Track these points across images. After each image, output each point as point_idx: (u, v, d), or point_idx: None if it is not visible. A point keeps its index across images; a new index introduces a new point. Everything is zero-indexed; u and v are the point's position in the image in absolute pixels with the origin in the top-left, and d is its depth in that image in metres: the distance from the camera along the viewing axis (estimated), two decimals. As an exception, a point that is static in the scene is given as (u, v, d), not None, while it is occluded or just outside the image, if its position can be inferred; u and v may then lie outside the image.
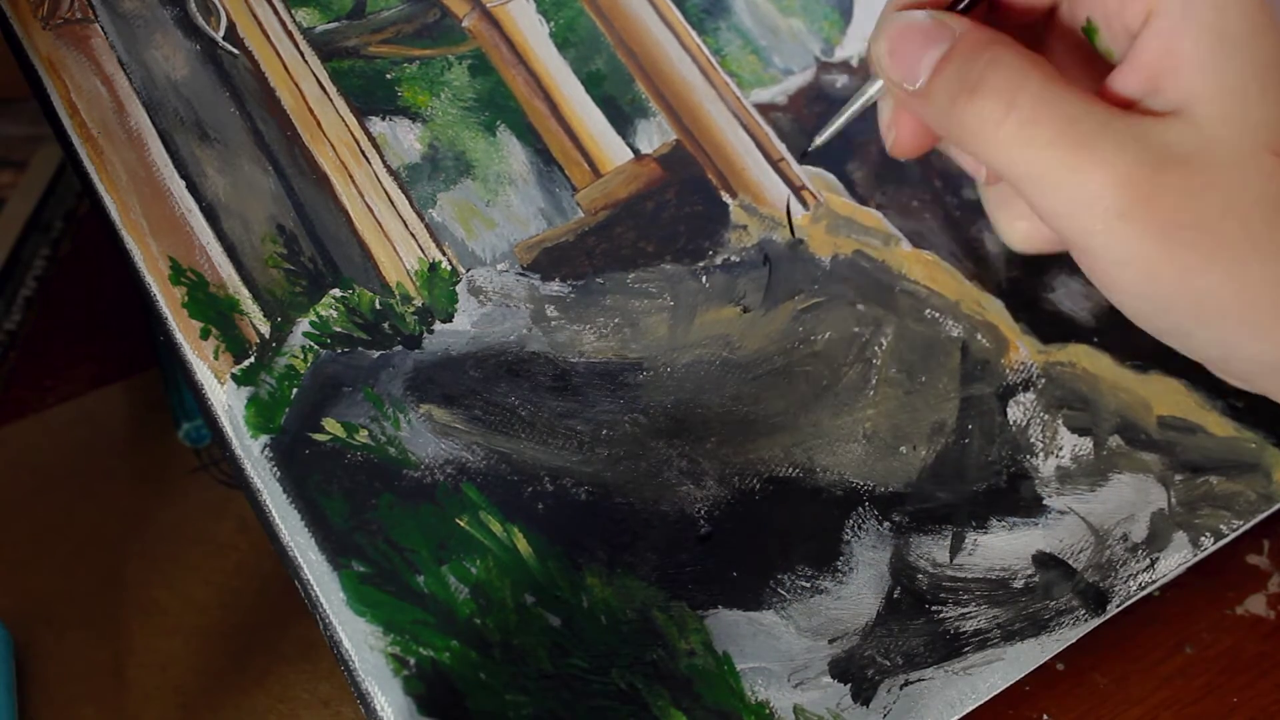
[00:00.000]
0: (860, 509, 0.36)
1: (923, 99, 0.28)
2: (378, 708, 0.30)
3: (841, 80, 0.44)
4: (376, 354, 0.35)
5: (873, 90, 0.30)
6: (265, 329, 0.35)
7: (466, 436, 0.34)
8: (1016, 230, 0.31)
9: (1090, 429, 0.38)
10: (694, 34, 0.43)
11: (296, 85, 0.39)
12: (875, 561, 0.35)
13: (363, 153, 0.38)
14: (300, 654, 0.38)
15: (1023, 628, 0.34)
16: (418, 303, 0.36)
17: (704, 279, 0.39)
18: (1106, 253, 0.26)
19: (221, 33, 0.39)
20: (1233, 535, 0.37)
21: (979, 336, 0.39)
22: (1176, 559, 0.36)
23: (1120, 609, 0.35)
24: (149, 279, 0.35)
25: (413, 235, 0.37)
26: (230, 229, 0.36)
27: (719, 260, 0.39)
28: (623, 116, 0.41)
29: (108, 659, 0.38)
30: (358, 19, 0.41)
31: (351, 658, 0.30)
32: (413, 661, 0.31)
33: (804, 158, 0.40)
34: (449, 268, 0.37)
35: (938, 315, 0.39)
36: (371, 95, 0.39)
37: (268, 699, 0.37)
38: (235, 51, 0.39)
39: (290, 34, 0.40)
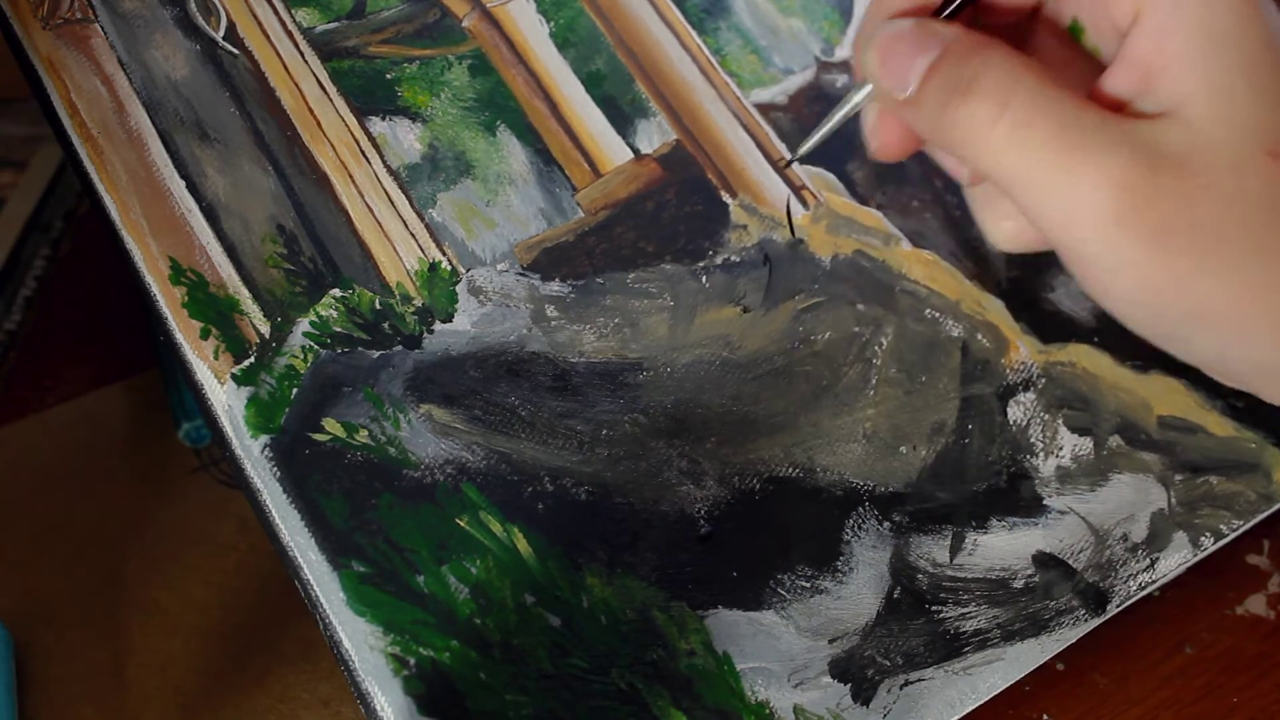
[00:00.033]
0: (860, 509, 0.36)
1: (914, 106, 0.28)
2: (378, 708, 0.30)
3: (842, 80, 0.44)
4: (376, 354, 0.35)
5: (858, 98, 0.30)
6: (265, 329, 0.35)
7: (466, 436, 0.34)
8: (1002, 230, 0.31)
9: (1090, 429, 0.38)
10: (694, 34, 0.43)
11: (296, 85, 0.39)
12: (875, 561, 0.35)
13: (363, 153, 0.38)
14: (300, 654, 0.38)
15: (1023, 628, 0.34)
16: (418, 303, 0.36)
17: (704, 279, 0.39)
18: (1100, 260, 0.26)
19: (221, 33, 0.39)
20: (1233, 535, 0.37)
21: (979, 336, 0.39)
22: (1176, 559, 0.36)
23: (1120, 609, 0.35)
24: (149, 279, 0.35)
25: (413, 235, 0.37)
26: (230, 229, 0.36)
27: (719, 260, 0.39)
28: (623, 116, 0.41)
29: (108, 659, 0.38)
30: (358, 19, 0.41)
31: (351, 658, 0.30)
32: (413, 661, 0.31)
33: (788, 164, 0.40)
34: (449, 268, 0.37)
35: (938, 315, 0.39)
36: (371, 95, 0.39)
37: (268, 699, 0.37)
38: (235, 51, 0.39)
39: (290, 34, 0.40)
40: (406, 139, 0.39)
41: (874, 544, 0.35)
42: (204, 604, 0.39)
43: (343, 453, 0.33)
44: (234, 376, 0.34)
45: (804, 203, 0.41)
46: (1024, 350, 0.39)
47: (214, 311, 0.35)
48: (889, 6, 0.30)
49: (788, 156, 0.41)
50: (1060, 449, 0.37)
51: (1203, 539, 0.36)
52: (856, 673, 0.33)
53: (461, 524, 0.33)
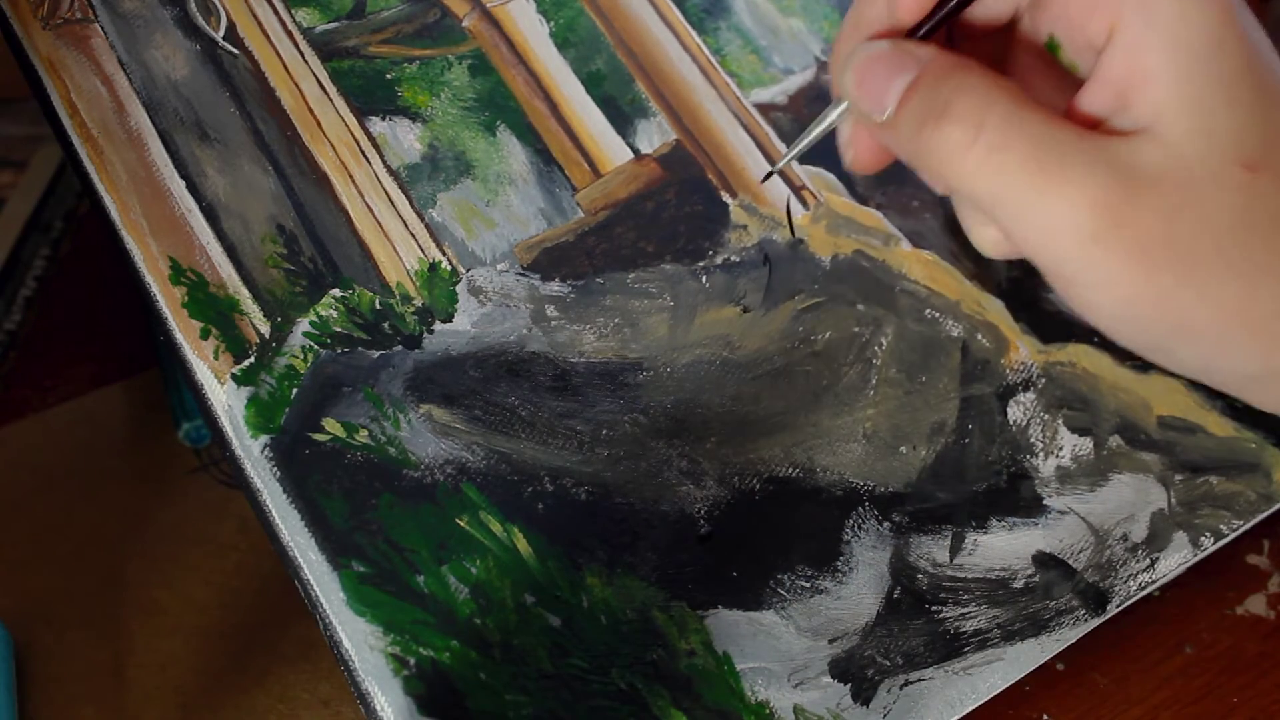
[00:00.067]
0: (860, 509, 0.36)
1: (891, 129, 0.28)
2: (378, 708, 0.30)
3: (841, 80, 0.44)
4: (376, 354, 0.35)
5: (835, 114, 0.31)
6: (265, 329, 0.35)
7: (466, 436, 0.34)
8: (987, 237, 0.31)
9: (1090, 429, 0.38)
10: (694, 34, 0.43)
11: (296, 85, 0.39)
12: (875, 561, 0.35)
13: (363, 153, 0.38)
14: (300, 654, 0.38)
15: (1023, 628, 0.34)
16: (418, 303, 0.36)
17: (704, 279, 0.39)
18: (1079, 277, 0.26)
19: (221, 33, 0.39)
20: (1233, 535, 0.37)
21: (979, 336, 0.39)
22: (1176, 559, 0.36)
23: (1120, 609, 0.35)
24: (149, 279, 0.35)
25: (413, 235, 0.37)
26: (230, 229, 0.36)
27: (719, 260, 0.39)
28: (623, 116, 0.41)
29: (108, 659, 0.38)
30: (358, 19, 0.41)
31: (351, 658, 0.30)
32: (413, 661, 0.31)
33: (766, 178, 0.40)
34: (449, 268, 0.37)
35: (938, 315, 0.39)
36: (371, 95, 0.39)
37: (268, 699, 0.37)
38: (235, 51, 0.39)
39: (290, 34, 0.40)
40: (406, 139, 0.39)
41: (874, 544, 0.35)
42: (204, 604, 0.39)
43: (343, 453, 0.33)
44: (234, 376, 0.34)
45: (804, 203, 0.41)
46: (1024, 350, 0.39)
47: (214, 311, 0.35)
48: (864, 25, 0.30)
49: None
50: (1060, 449, 0.37)
51: (1203, 539, 0.36)
52: (856, 673, 0.33)
53: (461, 524, 0.33)
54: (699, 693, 0.32)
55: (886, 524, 0.35)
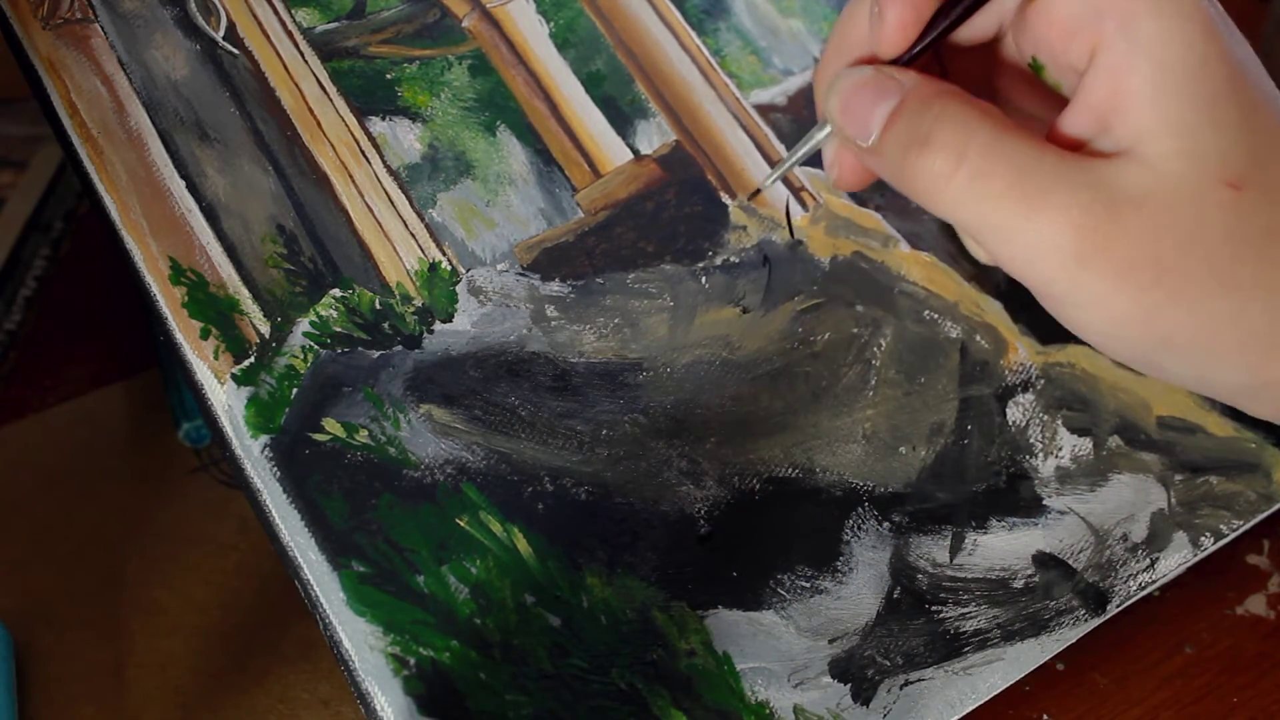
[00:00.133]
0: (860, 509, 0.36)
1: (876, 155, 0.28)
2: (378, 708, 0.30)
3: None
4: (376, 354, 0.35)
5: (819, 136, 0.31)
6: (265, 329, 0.35)
7: (466, 436, 0.34)
8: (981, 249, 0.31)
9: (1090, 429, 0.38)
10: (694, 35, 0.43)
11: (296, 85, 0.39)
12: (875, 561, 0.35)
13: (363, 153, 0.38)
14: (300, 654, 0.38)
15: (1023, 628, 0.34)
16: (418, 303, 0.36)
17: (704, 279, 0.39)
18: (1067, 297, 0.26)
19: (221, 33, 0.39)
20: (1233, 535, 0.37)
21: (978, 337, 0.39)
22: (1176, 559, 0.36)
23: (1120, 609, 0.35)
24: (149, 279, 0.35)
25: (413, 235, 0.37)
26: (230, 229, 0.36)
27: (719, 261, 0.39)
28: (622, 117, 0.41)
29: (108, 659, 0.38)
30: (358, 19, 0.41)
31: (351, 658, 0.30)
32: (413, 661, 0.31)
33: (753, 196, 0.40)
34: (449, 268, 0.37)
35: (936, 316, 0.39)
36: (371, 95, 0.39)
37: (268, 699, 0.37)
38: (235, 51, 0.39)
39: (290, 34, 0.40)
40: (406, 139, 0.39)
41: (874, 544, 0.35)
42: (204, 604, 0.39)
43: (343, 453, 0.33)
44: (234, 376, 0.34)
45: (803, 204, 0.41)
46: (1023, 351, 0.39)
47: (214, 311, 0.35)
48: (846, 47, 0.30)
49: (786, 158, 0.41)
50: (1060, 449, 0.37)
51: (1203, 539, 0.36)
52: (856, 673, 0.33)
53: (461, 524, 0.33)
54: (699, 693, 0.32)
55: (886, 524, 0.35)
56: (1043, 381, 0.39)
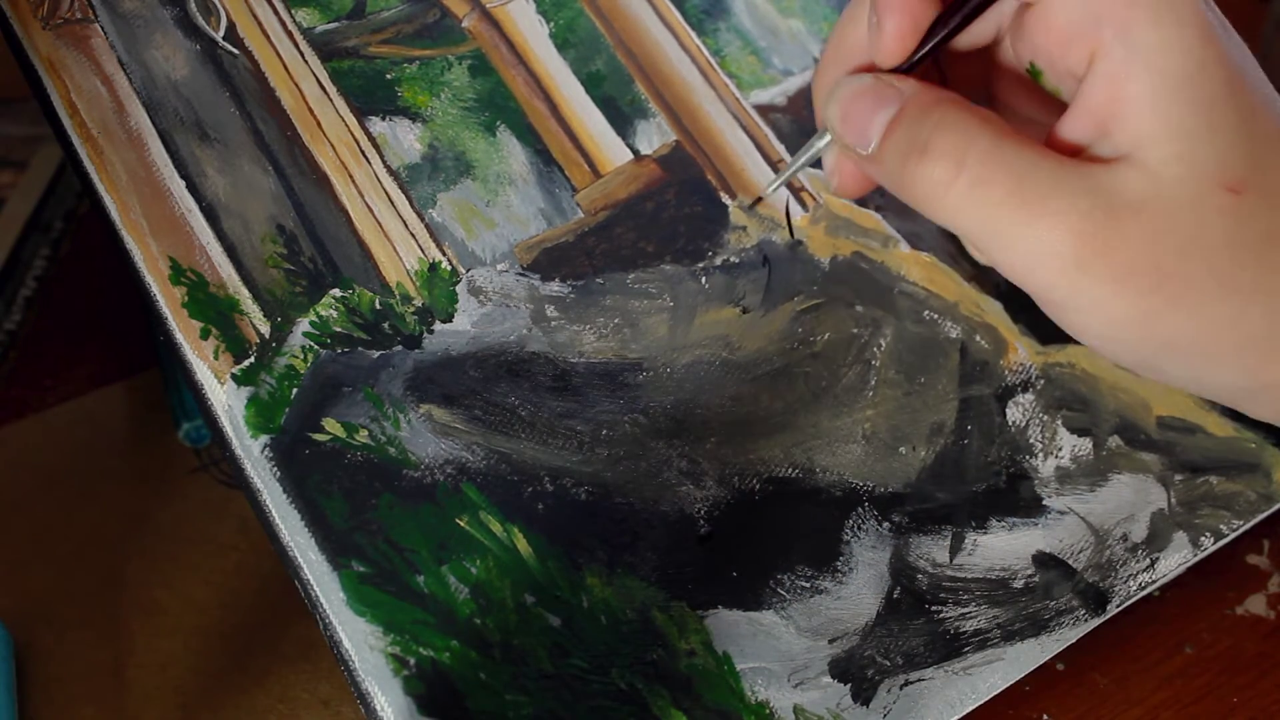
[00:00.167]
0: (860, 509, 0.36)
1: (876, 163, 0.28)
2: (378, 708, 0.30)
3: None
4: (376, 354, 0.35)
5: (820, 144, 0.31)
6: (265, 329, 0.35)
7: (466, 436, 0.34)
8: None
9: (1089, 429, 0.38)
10: (693, 35, 0.43)
11: (296, 85, 0.39)
12: (875, 561, 0.35)
13: (363, 153, 0.38)
14: (300, 654, 0.38)
15: (1023, 628, 0.34)
16: (418, 303, 0.36)
17: (703, 279, 0.39)
18: (1067, 302, 0.26)
19: (221, 33, 0.39)
20: (1233, 535, 0.37)
21: (977, 338, 0.39)
22: (1176, 559, 0.36)
23: (1120, 609, 0.35)
24: (149, 279, 0.35)
25: (413, 235, 0.37)
26: (230, 229, 0.36)
27: (718, 261, 0.39)
28: (622, 117, 0.41)
29: (108, 659, 0.38)
30: (358, 19, 0.41)
31: (351, 658, 0.30)
32: (413, 661, 0.31)
33: (753, 205, 0.40)
34: (449, 268, 0.37)
35: (936, 317, 0.39)
36: (371, 95, 0.39)
37: (268, 699, 0.37)
38: (235, 51, 0.39)
39: (290, 34, 0.40)
40: (406, 139, 0.39)
41: (874, 544, 0.35)
42: (204, 604, 0.39)
43: (343, 453, 0.33)
44: (234, 376, 0.34)
45: (803, 204, 0.41)
46: (1022, 351, 0.39)
47: (214, 311, 0.35)
48: (845, 53, 0.30)
49: (786, 159, 0.41)
50: (1059, 449, 0.37)
51: (1203, 539, 0.36)
52: (856, 673, 0.33)
53: (461, 524, 0.33)
54: (699, 693, 0.32)
55: (886, 524, 0.35)
56: (1042, 382, 0.39)
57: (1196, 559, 0.36)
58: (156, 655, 0.38)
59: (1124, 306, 0.25)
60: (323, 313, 0.35)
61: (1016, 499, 0.36)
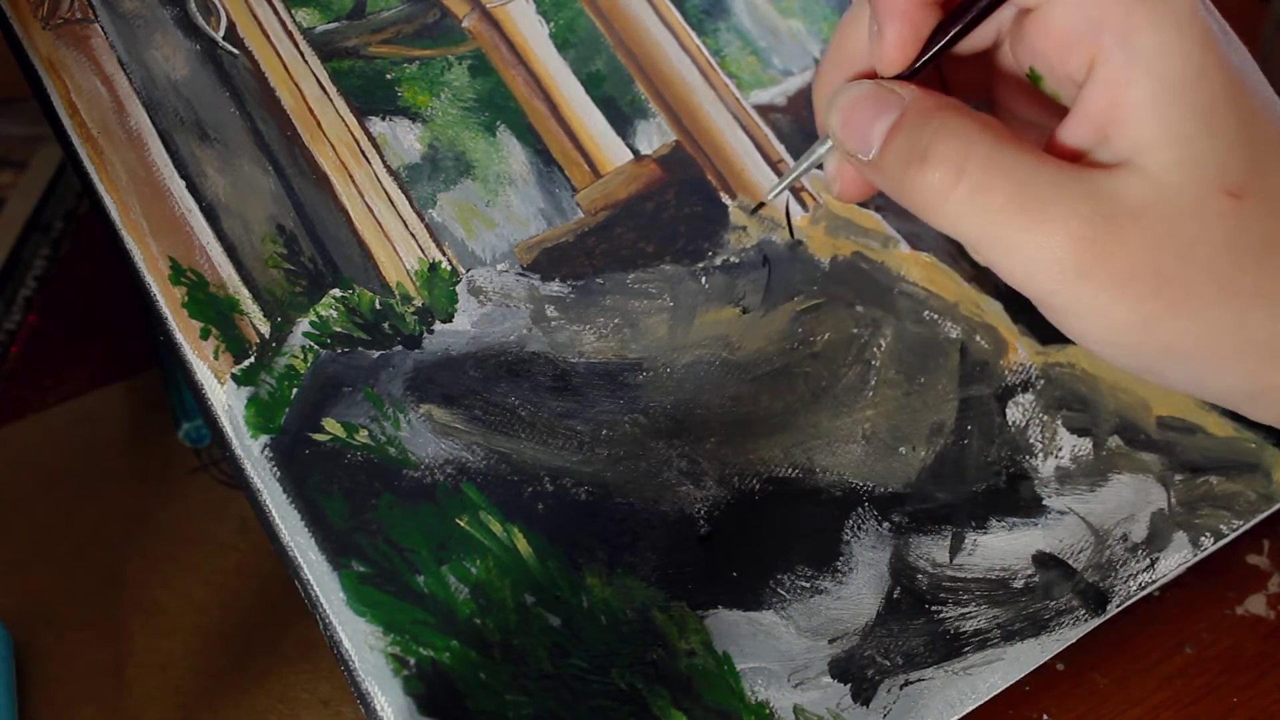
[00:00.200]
0: (860, 509, 0.36)
1: (877, 169, 0.28)
2: (378, 708, 0.30)
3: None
4: (376, 354, 0.35)
5: (821, 150, 0.31)
6: (265, 329, 0.35)
7: (466, 436, 0.34)
8: None
9: (1089, 429, 0.38)
10: (693, 35, 0.43)
11: (296, 85, 0.39)
12: (875, 561, 0.35)
13: (363, 153, 0.38)
14: (300, 654, 0.38)
15: (1023, 628, 0.34)
16: (418, 303, 0.36)
17: (703, 279, 0.39)
18: (1068, 308, 0.26)
19: (221, 33, 0.39)
20: (1233, 535, 0.37)
21: (977, 338, 0.39)
22: (1176, 559, 0.36)
23: (1120, 609, 0.35)
24: (149, 279, 0.35)
25: (413, 235, 0.37)
26: (230, 229, 0.36)
27: (718, 261, 0.39)
28: (622, 117, 0.41)
29: (108, 659, 0.38)
30: (358, 19, 0.41)
31: (351, 658, 0.30)
32: (413, 661, 0.31)
33: (755, 210, 0.40)
34: (449, 268, 0.37)
35: (936, 317, 0.39)
36: (371, 95, 0.39)
37: (268, 699, 0.37)
38: (235, 51, 0.39)
39: (290, 34, 0.40)
40: (406, 139, 0.39)
41: (874, 544, 0.35)
42: (204, 604, 0.39)
43: (343, 453, 0.33)
44: (234, 376, 0.34)
45: (803, 204, 0.41)
46: (1022, 351, 0.39)
47: (214, 311, 0.35)
48: (845, 58, 0.30)
49: (786, 158, 0.41)
50: (1059, 450, 0.37)
51: (1203, 539, 0.36)
52: (856, 673, 0.33)
53: (461, 524, 0.33)
54: (699, 693, 0.32)
55: (886, 524, 0.35)
56: (1042, 382, 0.39)
57: (1196, 559, 0.36)
58: (156, 655, 0.38)
59: (1124, 312, 0.26)
60: (323, 313, 0.35)
61: (1016, 499, 0.36)
